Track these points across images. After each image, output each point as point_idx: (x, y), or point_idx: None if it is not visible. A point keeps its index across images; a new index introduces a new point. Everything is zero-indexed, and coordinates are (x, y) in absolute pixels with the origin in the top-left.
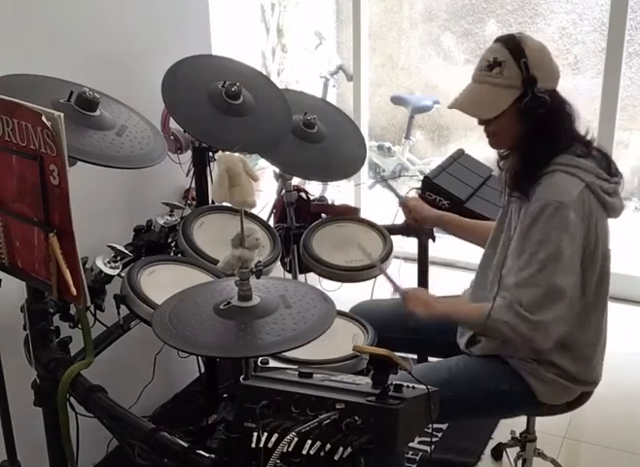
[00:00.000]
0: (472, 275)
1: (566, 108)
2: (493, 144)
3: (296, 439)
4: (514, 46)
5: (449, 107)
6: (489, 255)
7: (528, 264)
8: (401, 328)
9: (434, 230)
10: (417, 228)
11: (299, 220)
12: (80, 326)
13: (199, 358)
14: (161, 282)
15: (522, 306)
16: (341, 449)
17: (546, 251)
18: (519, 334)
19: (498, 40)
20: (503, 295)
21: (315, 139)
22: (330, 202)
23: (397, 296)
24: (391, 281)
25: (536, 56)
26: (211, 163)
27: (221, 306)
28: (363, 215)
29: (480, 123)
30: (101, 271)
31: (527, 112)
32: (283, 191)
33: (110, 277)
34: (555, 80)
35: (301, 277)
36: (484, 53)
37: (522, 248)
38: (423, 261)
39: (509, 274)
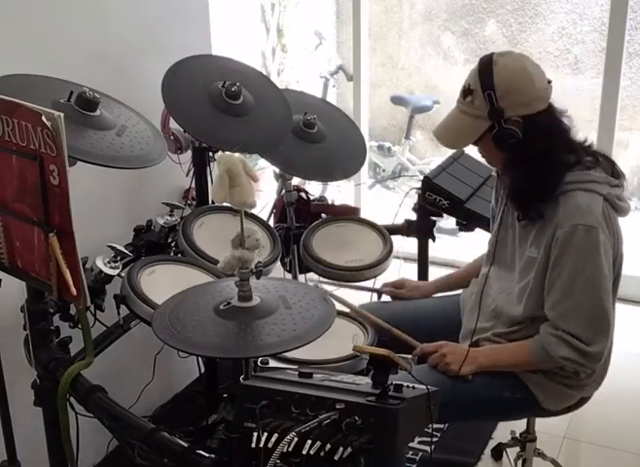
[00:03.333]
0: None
1: (560, 122)
2: (488, 164)
3: (296, 439)
4: (485, 72)
5: (434, 134)
6: (491, 258)
7: (570, 292)
8: (402, 328)
9: (434, 230)
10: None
11: (299, 220)
12: (80, 326)
13: (199, 358)
14: (161, 282)
15: (577, 338)
16: (341, 448)
17: (584, 276)
18: (578, 365)
19: (480, 59)
20: (549, 330)
21: (315, 139)
22: (330, 202)
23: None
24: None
25: (505, 84)
26: (211, 164)
27: (221, 307)
28: (363, 215)
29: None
30: (101, 271)
31: (498, 144)
32: (283, 191)
33: (110, 277)
34: (533, 104)
35: (301, 277)
36: (468, 74)
37: (556, 277)
38: (423, 261)
39: (547, 307)
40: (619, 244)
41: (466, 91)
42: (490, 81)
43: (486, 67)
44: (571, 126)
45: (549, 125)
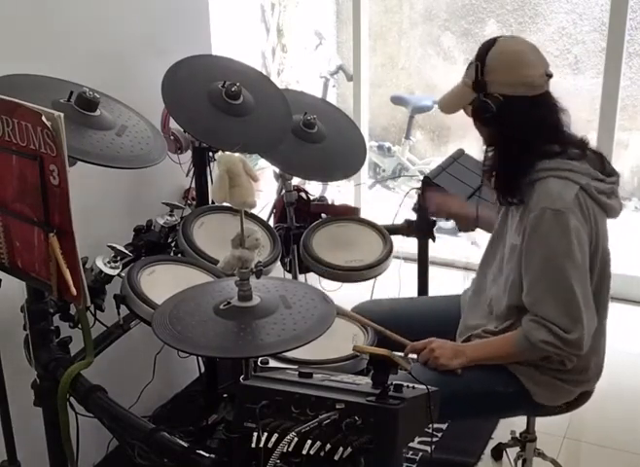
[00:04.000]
0: (472, 275)
1: (547, 115)
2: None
3: (296, 439)
4: (483, 48)
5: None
6: (489, 254)
7: (540, 277)
8: (401, 328)
9: (434, 230)
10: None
11: (299, 220)
12: (80, 326)
13: (199, 358)
14: (161, 282)
15: (554, 324)
16: (341, 448)
17: (553, 261)
18: (559, 351)
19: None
20: (528, 316)
21: (315, 139)
22: (330, 202)
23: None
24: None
25: (495, 60)
26: (211, 163)
27: (221, 307)
28: (363, 215)
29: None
30: (101, 271)
31: (475, 114)
32: (283, 191)
33: (110, 277)
34: (517, 87)
35: (301, 277)
36: None
37: (528, 262)
38: (423, 261)
39: (524, 293)
40: (598, 237)
41: (469, 65)
42: (484, 55)
43: (488, 43)
44: (565, 122)
45: (529, 111)
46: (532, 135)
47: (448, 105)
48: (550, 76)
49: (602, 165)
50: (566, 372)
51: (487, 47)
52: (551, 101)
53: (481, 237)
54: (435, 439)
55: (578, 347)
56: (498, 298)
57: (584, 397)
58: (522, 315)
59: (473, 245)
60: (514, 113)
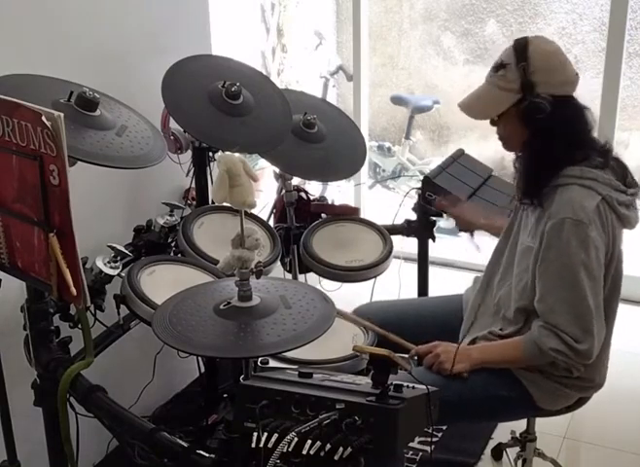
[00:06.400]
0: (472, 275)
1: (582, 115)
2: (504, 146)
3: (296, 439)
4: (519, 49)
5: (460, 105)
6: (497, 254)
7: (554, 286)
8: (402, 330)
9: (434, 230)
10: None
11: (299, 220)
12: (80, 326)
13: (199, 358)
14: (161, 282)
15: (566, 334)
16: (341, 449)
17: (569, 272)
18: (568, 359)
19: (515, 40)
20: (539, 323)
21: (315, 139)
22: (330, 202)
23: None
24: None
25: (538, 61)
26: (211, 163)
27: (221, 307)
28: (363, 215)
29: (492, 123)
30: (101, 271)
31: (526, 116)
32: (283, 191)
33: (110, 277)
34: (563, 86)
35: (301, 277)
36: (500, 54)
37: (544, 270)
38: (423, 261)
39: (536, 299)
40: (614, 248)
41: (498, 66)
42: (525, 55)
43: (522, 44)
44: (592, 123)
45: (573, 112)
46: (571, 136)
47: (485, 111)
48: (577, 75)
49: (624, 176)
50: (571, 378)
51: (523, 47)
52: (578, 100)
53: (484, 240)
54: (435, 439)
55: (587, 357)
56: (506, 299)
57: (583, 400)
58: (531, 318)
59: (476, 249)
60: (564, 113)
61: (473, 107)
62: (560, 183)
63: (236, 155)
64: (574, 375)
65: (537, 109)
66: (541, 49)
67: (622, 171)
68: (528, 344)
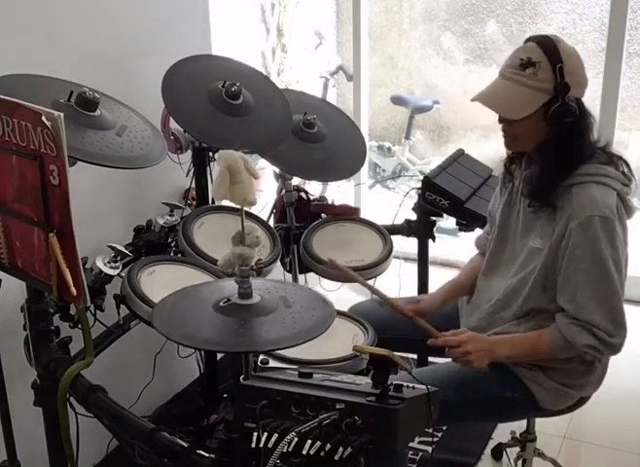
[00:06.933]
0: None
1: (589, 117)
2: (510, 145)
3: (296, 439)
4: (550, 48)
5: (473, 100)
6: (495, 257)
7: (589, 284)
8: (401, 328)
9: (434, 230)
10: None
11: (299, 220)
12: (80, 326)
13: (199, 358)
14: (161, 282)
15: (600, 329)
16: (341, 448)
17: (603, 268)
18: (598, 353)
19: (531, 39)
20: (568, 320)
21: (315, 139)
22: (330, 202)
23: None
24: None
25: (571, 62)
26: (211, 163)
27: (221, 304)
28: (363, 215)
29: (501, 121)
30: (101, 271)
31: (554, 119)
32: (283, 191)
33: (110, 277)
34: (584, 88)
35: (301, 277)
36: (516, 51)
37: (572, 269)
38: (423, 261)
39: (564, 299)
40: (626, 241)
41: (525, 64)
42: (558, 55)
43: (549, 42)
44: (594, 123)
45: (587, 113)
46: (586, 137)
47: (516, 110)
48: None
49: (624, 170)
50: (573, 377)
51: (552, 46)
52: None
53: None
54: (435, 439)
55: (617, 351)
56: (507, 301)
57: (583, 400)
58: (538, 317)
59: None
60: (584, 116)
61: (503, 106)
62: (575, 182)
63: (238, 152)
64: (595, 364)
65: (568, 112)
66: (569, 49)
67: (623, 165)
68: (556, 339)
